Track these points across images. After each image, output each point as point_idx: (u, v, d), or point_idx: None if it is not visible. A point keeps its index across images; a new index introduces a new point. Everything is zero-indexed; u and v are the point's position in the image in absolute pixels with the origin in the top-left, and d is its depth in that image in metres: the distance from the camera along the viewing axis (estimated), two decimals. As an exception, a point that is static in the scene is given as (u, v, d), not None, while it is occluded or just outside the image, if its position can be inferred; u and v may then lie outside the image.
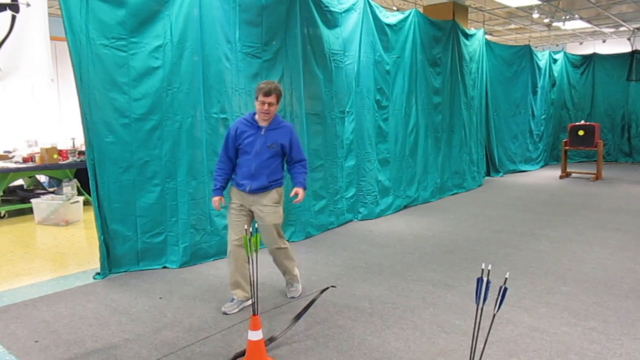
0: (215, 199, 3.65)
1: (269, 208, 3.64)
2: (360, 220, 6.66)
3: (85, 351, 3.09)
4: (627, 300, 3.82)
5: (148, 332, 3.35)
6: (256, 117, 3.60)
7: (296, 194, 3.69)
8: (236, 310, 3.64)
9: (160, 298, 3.97)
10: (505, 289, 2.03)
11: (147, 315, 3.64)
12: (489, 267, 2.06)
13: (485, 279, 2.06)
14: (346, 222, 6.48)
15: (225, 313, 3.60)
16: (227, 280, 3.74)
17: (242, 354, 2.95)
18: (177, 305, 3.80)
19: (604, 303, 3.76)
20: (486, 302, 2.07)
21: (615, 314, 3.56)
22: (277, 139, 3.60)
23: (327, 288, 3.82)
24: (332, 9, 6.06)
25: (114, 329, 3.40)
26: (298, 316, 3.37)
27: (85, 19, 4.15)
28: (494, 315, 2.09)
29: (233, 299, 3.69)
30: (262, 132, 3.57)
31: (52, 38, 4.49)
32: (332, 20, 6.07)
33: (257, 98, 3.51)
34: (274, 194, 3.66)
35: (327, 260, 4.92)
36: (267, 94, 3.46)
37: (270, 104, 3.49)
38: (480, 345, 2.22)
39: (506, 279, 2.06)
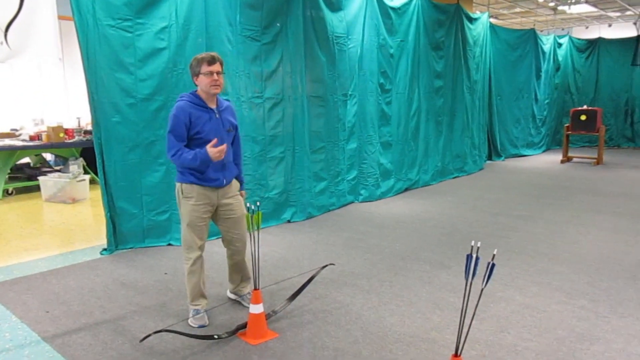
0: (209, 146, 2.97)
1: (237, 197, 3.32)
2: (361, 202, 6.77)
3: (95, 321, 3.24)
4: (618, 280, 3.94)
5: (154, 305, 3.49)
6: (203, 97, 3.08)
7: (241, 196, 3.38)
8: (206, 319, 3.24)
9: (166, 273, 4.11)
10: (493, 265, 2.14)
11: (153, 289, 3.78)
12: (479, 244, 2.17)
13: (474, 256, 2.16)
14: (347, 204, 6.59)
15: (203, 326, 3.17)
16: (189, 292, 3.25)
17: (244, 326, 3.09)
18: (181, 281, 3.93)
19: (595, 283, 3.88)
20: (475, 278, 2.18)
21: (605, 293, 3.68)
22: (231, 120, 3.23)
23: (326, 265, 3.94)
24: (335, -9, 6.09)
25: (122, 302, 3.54)
26: (298, 291, 3.50)
27: (92, 0, 4.22)
28: (482, 290, 2.20)
29: (199, 311, 3.24)
30: (217, 115, 3.11)
31: (59, 17, 4.55)
32: (335, 3, 6.10)
33: (198, 73, 3.01)
34: (235, 182, 3.34)
35: (328, 240, 5.04)
36: (212, 62, 3.00)
37: (218, 73, 3.02)
38: (471, 322, 2.34)
39: (494, 255, 2.16)
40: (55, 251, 4.69)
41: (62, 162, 8.07)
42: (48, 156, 8.77)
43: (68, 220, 5.87)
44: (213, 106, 3.12)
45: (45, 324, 3.20)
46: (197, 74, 3.04)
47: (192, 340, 2.96)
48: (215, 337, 2.97)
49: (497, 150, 10.87)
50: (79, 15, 4.19)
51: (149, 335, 2.83)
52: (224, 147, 3.02)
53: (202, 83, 3.04)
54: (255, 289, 3.04)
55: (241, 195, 3.41)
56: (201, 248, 3.23)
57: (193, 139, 3.04)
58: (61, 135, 7.47)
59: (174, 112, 3.01)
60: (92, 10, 4.23)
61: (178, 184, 3.16)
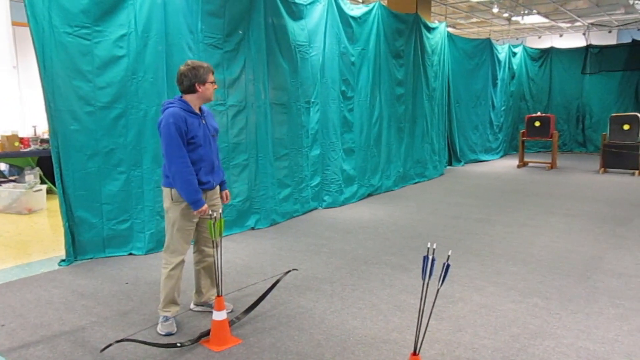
0: (206, 207, 3.12)
1: (219, 199, 3.42)
2: (325, 208, 6.84)
3: (53, 333, 3.17)
4: (569, 278, 4.12)
5: (115, 315, 3.44)
6: (191, 104, 3.15)
7: (226, 197, 3.50)
8: (175, 326, 3.23)
9: (127, 283, 4.05)
10: (448, 266, 2.23)
11: (114, 299, 3.73)
12: (434, 246, 2.25)
13: (430, 257, 2.25)
14: (311, 210, 6.65)
15: (170, 334, 3.16)
16: (162, 297, 3.24)
17: (207, 333, 3.08)
18: (143, 290, 3.89)
19: (547, 282, 4.06)
20: (434, 279, 2.26)
21: (557, 291, 3.85)
22: (214, 125, 3.35)
23: (289, 271, 3.98)
24: (297, 1, 6.16)
25: (81, 313, 3.48)
26: (262, 297, 3.52)
27: (48, 7, 4.15)
28: (438, 290, 2.29)
29: (168, 318, 3.23)
30: (203, 121, 3.20)
31: (13, 23, 4.45)
32: (297, 12, 6.18)
33: (205, 81, 3.12)
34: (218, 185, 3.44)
35: (292, 246, 5.08)
36: (213, 72, 3.20)
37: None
38: (431, 321, 2.42)
39: (449, 256, 2.25)
40: (11, 263, 4.56)
41: (17, 171, 7.82)
42: (2, 166, 8.48)
43: (24, 232, 5.70)
44: (199, 112, 3.21)
45: (1, 338, 3.11)
46: (203, 82, 3.12)
47: (155, 349, 2.94)
48: (178, 345, 2.96)
49: (457, 155, 11.16)
50: (34, 22, 4.11)
51: (110, 345, 2.80)
52: (205, 209, 3.12)
53: (209, 91, 3.16)
54: (219, 295, 3.05)
55: (226, 195, 3.50)
56: (185, 254, 3.26)
57: (189, 143, 3.10)
58: (16, 144, 7.25)
59: (171, 120, 3.01)
60: (48, 17, 4.16)
61: (167, 189, 3.17)
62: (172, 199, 3.15)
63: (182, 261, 3.26)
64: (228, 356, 2.90)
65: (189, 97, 3.15)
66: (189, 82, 3.11)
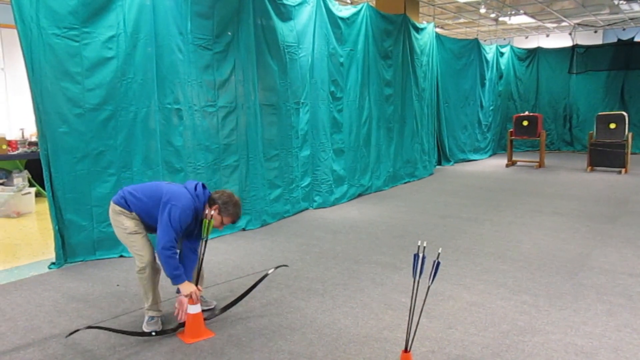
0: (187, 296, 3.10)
1: None
2: (316, 208, 6.86)
3: (43, 337, 3.15)
4: (557, 276, 4.18)
5: (106, 318, 3.43)
6: (194, 207, 3.18)
7: None
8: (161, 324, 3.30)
9: (118, 285, 4.04)
10: (438, 263, 2.26)
11: (105, 302, 3.72)
12: (424, 244, 2.28)
13: (421, 255, 2.28)
14: (302, 211, 6.66)
15: (155, 332, 3.18)
16: (144, 300, 3.29)
17: (184, 325, 3.16)
18: (134, 292, 3.88)
19: (536, 279, 4.11)
20: (424, 277, 2.29)
21: (545, 289, 3.90)
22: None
23: (279, 266, 3.99)
24: (285, 2, 6.18)
25: (72, 316, 3.46)
26: (248, 291, 3.55)
27: (36, 8, 4.13)
28: (429, 287, 2.32)
29: (153, 317, 3.28)
30: None
31: (0, 25, 4.41)
32: (285, 13, 6.20)
33: (222, 214, 3.21)
34: None
35: (283, 247, 5.09)
36: (235, 222, 3.32)
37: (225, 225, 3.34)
38: (421, 319, 2.45)
39: (439, 254, 2.29)
40: (0, 267, 4.52)
41: (5, 174, 7.75)
42: (-11, 169, 8.38)
43: (13, 235, 5.65)
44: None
45: (-9, 342, 3.10)
46: (219, 211, 3.19)
47: (129, 337, 2.94)
48: (153, 333, 3.04)
49: (446, 155, 11.23)
50: (22, 24, 4.09)
51: (77, 330, 2.92)
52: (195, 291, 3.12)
53: (215, 220, 3.21)
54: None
55: None
56: (148, 259, 3.21)
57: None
58: (4, 147, 7.19)
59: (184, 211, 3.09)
60: (35, 18, 4.14)
61: (118, 207, 3.21)
62: (118, 212, 3.22)
63: (145, 267, 3.20)
64: (198, 348, 2.91)
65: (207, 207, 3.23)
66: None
